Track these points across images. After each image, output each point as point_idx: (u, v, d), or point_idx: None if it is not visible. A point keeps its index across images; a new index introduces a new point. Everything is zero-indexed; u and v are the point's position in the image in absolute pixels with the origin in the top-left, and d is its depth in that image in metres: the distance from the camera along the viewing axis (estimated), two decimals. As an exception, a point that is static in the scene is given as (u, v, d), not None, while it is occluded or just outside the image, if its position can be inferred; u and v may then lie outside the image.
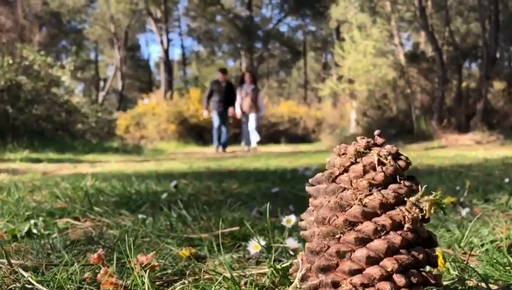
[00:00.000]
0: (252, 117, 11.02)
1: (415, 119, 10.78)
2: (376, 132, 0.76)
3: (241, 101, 11.10)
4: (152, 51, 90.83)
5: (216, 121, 11.13)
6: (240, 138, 14.71)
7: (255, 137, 11.02)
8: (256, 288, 0.95)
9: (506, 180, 2.49)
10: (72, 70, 11.74)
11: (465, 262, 1.01)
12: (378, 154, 0.72)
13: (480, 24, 10.92)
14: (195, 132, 16.69)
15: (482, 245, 1.27)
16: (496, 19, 10.39)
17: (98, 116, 12.67)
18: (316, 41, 36.17)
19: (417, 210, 0.69)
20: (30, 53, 10.26)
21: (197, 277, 1.05)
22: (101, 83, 37.42)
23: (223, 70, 11.60)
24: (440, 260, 0.98)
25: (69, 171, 4.57)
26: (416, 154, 5.95)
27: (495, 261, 1.03)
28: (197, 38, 36.05)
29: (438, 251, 0.99)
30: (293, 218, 1.36)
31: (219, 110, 11.03)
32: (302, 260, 0.75)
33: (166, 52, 30.44)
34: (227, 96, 11.13)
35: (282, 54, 36.76)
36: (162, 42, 30.29)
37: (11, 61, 9.36)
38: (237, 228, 1.42)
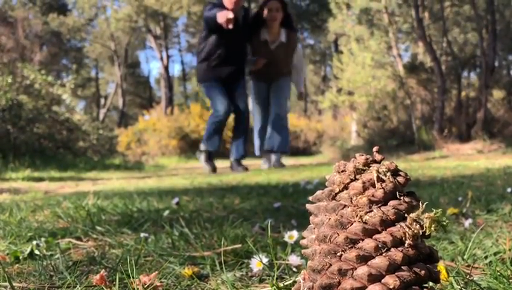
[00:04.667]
0: (284, 88, 5.94)
1: (416, 129, 10.79)
2: (374, 149, 0.77)
3: (259, 59, 5.69)
4: (152, 67, 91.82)
5: (222, 105, 5.31)
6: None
7: (284, 142, 5.87)
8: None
9: (509, 189, 2.48)
10: (73, 88, 11.81)
11: (468, 276, 1.01)
12: (377, 171, 0.73)
13: (478, 34, 10.98)
14: (196, 147, 16.69)
15: (486, 257, 1.26)
16: (493, 29, 10.46)
17: (99, 133, 12.69)
18: (315, 54, 36.41)
19: (417, 226, 0.69)
20: (31, 72, 10.34)
21: (199, 296, 1.05)
22: (102, 100, 37.64)
23: None
24: (444, 274, 0.97)
25: (71, 189, 4.58)
26: (418, 165, 5.94)
27: (499, 273, 1.03)
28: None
29: (441, 265, 0.98)
30: (295, 233, 1.35)
31: (225, 78, 5.40)
32: (304, 278, 0.75)
33: (166, 68, 30.63)
34: (243, 48, 5.56)
35: (281, 68, 36.93)
36: (161, 58, 30.51)
37: (11, 81, 9.43)
38: (239, 245, 1.41)
